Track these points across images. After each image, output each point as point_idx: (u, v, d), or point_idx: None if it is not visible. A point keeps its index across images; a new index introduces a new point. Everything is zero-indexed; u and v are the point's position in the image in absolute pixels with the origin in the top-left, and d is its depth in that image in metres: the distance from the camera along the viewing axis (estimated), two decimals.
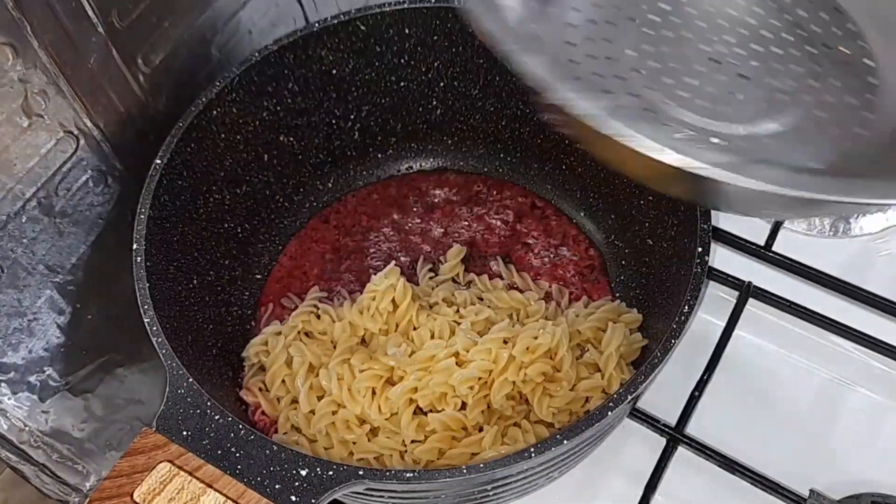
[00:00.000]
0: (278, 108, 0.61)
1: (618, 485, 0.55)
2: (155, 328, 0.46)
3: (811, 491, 0.50)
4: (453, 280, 0.62)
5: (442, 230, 0.65)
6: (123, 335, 0.58)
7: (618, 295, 0.60)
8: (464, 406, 0.52)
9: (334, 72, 0.62)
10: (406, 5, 0.59)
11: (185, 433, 0.43)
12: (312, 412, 0.53)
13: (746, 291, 0.56)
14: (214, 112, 0.56)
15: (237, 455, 0.42)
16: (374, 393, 0.53)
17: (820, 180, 0.39)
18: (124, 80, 0.52)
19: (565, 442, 0.41)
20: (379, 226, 0.66)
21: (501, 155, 0.67)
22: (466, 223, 0.65)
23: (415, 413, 0.52)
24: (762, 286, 0.57)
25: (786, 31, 0.48)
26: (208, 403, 0.44)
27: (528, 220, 0.65)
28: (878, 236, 0.65)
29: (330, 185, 0.67)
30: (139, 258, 0.49)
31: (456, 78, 0.63)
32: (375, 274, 0.59)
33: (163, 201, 0.52)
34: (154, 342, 0.46)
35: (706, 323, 0.60)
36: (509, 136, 0.66)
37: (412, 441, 0.52)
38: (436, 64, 0.63)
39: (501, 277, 0.62)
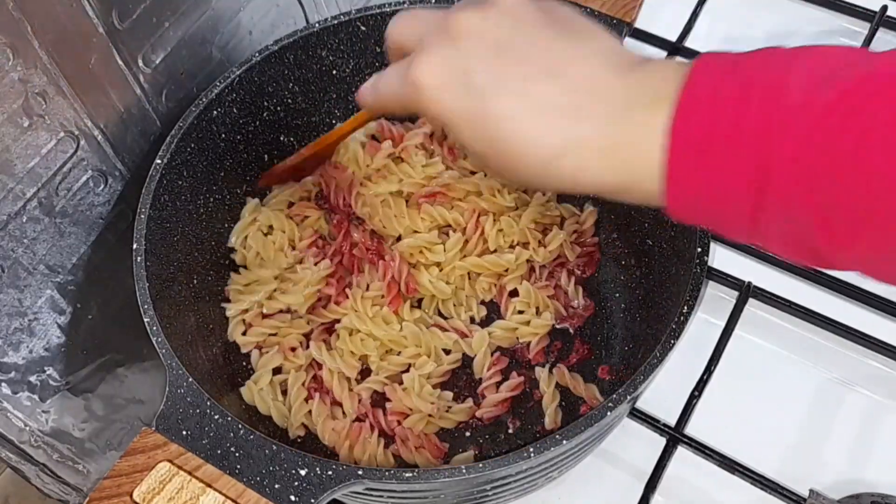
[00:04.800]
0: (279, 108, 0.61)
1: (617, 484, 0.55)
2: (155, 328, 0.46)
3: (811, 491, 0.50)
4: None
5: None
6: (124, 335, 0.58)
7: (617, 295, 0.60)
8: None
9: (335, 72, 0.62)
10: (406, 6, 0.59)
11: (184, 433, 0.43)
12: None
13: (746, 291, 0.56)
14: (215, 112, 0.56)
15: (236, 455, 0.42)
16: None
17: None
18: (125, 80, 0.52)
19: (564, 442, 0.41)
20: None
21: None
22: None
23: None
24: (762, 286, 0.57)
25: None
26: (208, 403, 0.44)
27: None
28: None
29: None
30: (139, 258, 0.49)
31: None
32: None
33: (163, 201, 0.52)
34: (154, 342, 0.46)
35: (706, 323, 0.60)
36: None
37: None
38: None
39: None
